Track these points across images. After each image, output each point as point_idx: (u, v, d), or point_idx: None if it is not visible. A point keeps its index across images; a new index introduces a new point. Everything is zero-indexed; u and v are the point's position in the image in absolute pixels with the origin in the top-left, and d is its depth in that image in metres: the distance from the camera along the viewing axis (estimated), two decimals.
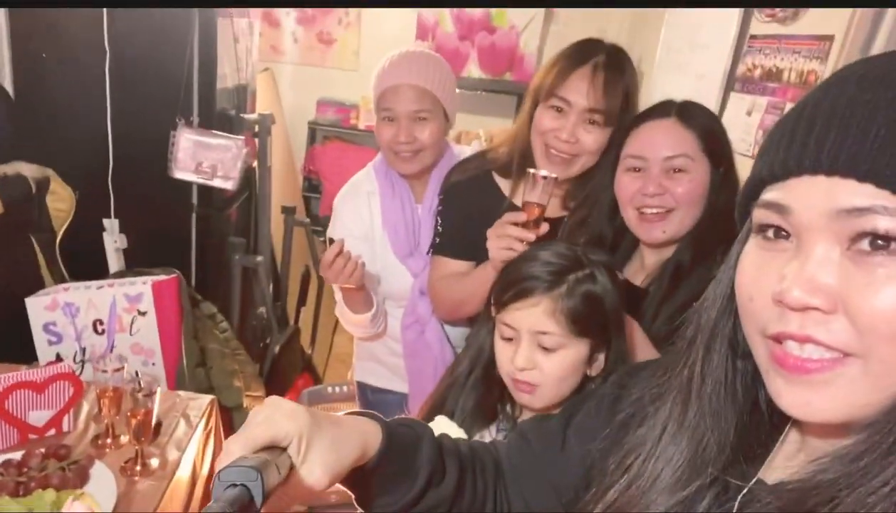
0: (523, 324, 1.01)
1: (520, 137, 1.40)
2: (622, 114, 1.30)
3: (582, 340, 1.01)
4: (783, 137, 0.51)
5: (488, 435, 1.08)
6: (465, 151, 1.69)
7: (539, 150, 1.36)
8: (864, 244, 0.46)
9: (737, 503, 0.55)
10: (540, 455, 0.80)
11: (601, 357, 1.03)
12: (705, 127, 1.19)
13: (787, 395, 0.50)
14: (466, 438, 1.02)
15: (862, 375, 0.46)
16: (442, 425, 1.03)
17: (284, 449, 0.58)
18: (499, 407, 1.10)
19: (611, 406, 0.73)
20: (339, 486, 0.66)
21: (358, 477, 0.66)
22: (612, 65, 1.30)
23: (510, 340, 1.04)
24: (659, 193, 1.17)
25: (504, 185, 1.47)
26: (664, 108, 1.21)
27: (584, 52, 1.32)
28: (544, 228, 1.24)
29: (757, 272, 0.51)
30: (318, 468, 0.59)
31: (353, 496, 0.69)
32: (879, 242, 0.45)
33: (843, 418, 0.48)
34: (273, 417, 0.58)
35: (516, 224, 1.24)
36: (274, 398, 0.62)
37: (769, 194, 0.51)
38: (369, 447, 0.65)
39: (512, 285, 1.03)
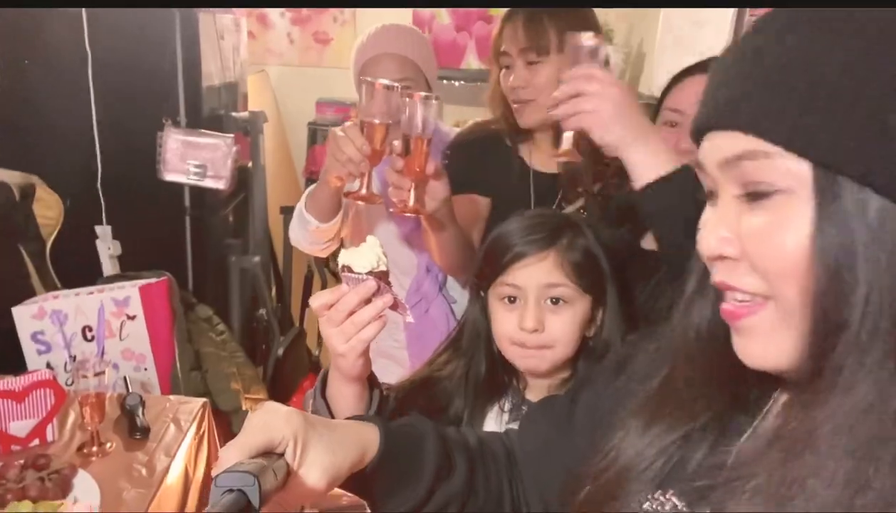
0: (530, 281, 0.98)
1: (498, 99, 1.41)
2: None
3: (586, 296, 1.00)
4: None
5: (497, 410, 1.04)
6: (454, 129, 1.64)
7: (514, 108, 1.38)
8: (753, 192, 0.47)
9: (734, 451, 0.54)
10: (549, 436, 0.78)
11: (599, 316, 1.02)
12: None
13: (735, 343, 0.51)
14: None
15: (779, 319, 0.47)
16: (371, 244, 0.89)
17: (282, 455, 0.58)
18: (506, 380, 1.06)
19: (613, 375, 0.71)
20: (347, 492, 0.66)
21: (364, 481, 0.66)
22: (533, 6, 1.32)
23: (513, 303, 1.00)
24: (693, 150, 1.12)
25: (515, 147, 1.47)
26: (708, 64, 1.16)
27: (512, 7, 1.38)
28: (399, 164, 1.19)
29: (702, 230, 0.53)
30: (314, 471, 0.60)
31: (365, 503, 0.70)
32: (763, 188, 0.46)
33: (781, 365, 0.49)
34: (268, 421, 0.60)
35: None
36: (269, 403, 0.63)
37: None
38: (368, 450, 0.65)
39: (510, 248, 0.99)
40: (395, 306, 0.86)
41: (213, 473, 0.54)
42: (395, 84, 1.21)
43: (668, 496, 0.55)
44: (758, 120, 0.46)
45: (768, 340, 0.48)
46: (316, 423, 0.62)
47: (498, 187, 1.43)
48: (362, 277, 0.84)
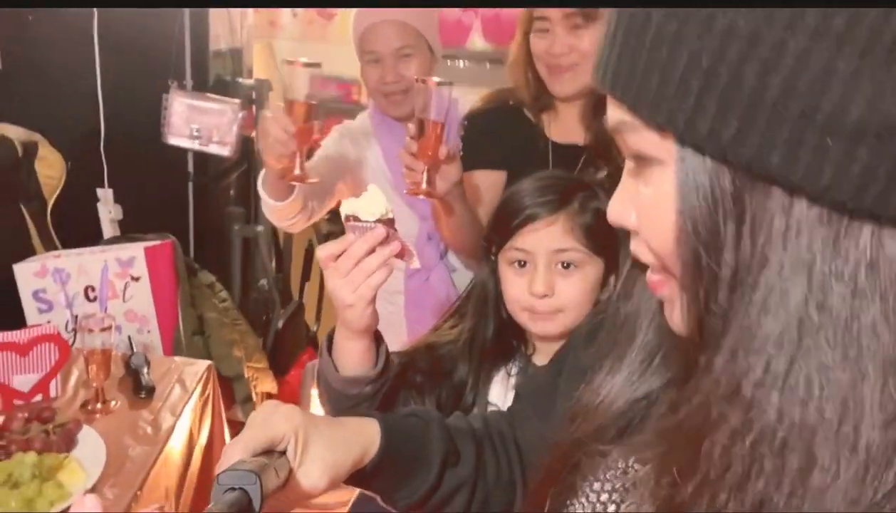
0: (540, 246, 0.96)
1: (522, 63, 1.35)
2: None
3: (598, 259, 0.98)
4: None
5: (504, 374, 1.02)
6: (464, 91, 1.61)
7: (545, 74, 1.32)
8: (637, 161, 0.45)
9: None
10: (533, 412, 0.76)
11: (611, 281, 1.00)
12: None
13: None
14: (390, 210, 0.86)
15: (679, 289, 0.46)
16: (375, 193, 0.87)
17: (283, 453, 0.59)
18: (514, 344, 1.04)
19: (590, 338, 0.68)
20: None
21: (367, 477, 0.66)
22: None
23: (523, 267, 0.98)
24: None
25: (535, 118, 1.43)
26: None
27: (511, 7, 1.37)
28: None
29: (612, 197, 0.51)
30: (315, 469, 0.60)
31: (377, 497, 0.70)
32: (642, 160, 0.44)
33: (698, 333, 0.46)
34: (269, 418, 0.60)
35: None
36: (271, 402, 0.64)
37: None
38: (370, 446, 0.65)
39: (519, 211, 0.98)
40: (401, 254, 0.84)
41: (216, 471, 0.55)
42: (317, 62, 1.25)
43: (629, 463, 0.54)
44: (623, 91, 0.43)
45: (678, 309, 0.47)
46: (317, 420, 0.63)
47: (515, 160, 1.40)
48: (370, 224, 0.83)
